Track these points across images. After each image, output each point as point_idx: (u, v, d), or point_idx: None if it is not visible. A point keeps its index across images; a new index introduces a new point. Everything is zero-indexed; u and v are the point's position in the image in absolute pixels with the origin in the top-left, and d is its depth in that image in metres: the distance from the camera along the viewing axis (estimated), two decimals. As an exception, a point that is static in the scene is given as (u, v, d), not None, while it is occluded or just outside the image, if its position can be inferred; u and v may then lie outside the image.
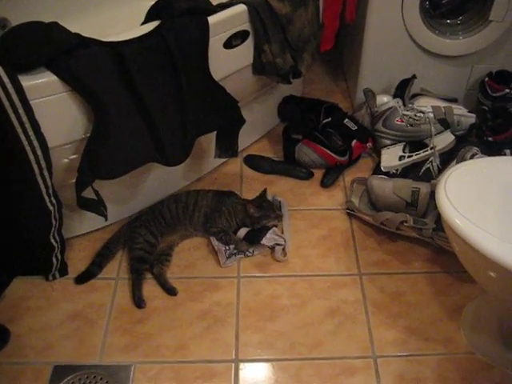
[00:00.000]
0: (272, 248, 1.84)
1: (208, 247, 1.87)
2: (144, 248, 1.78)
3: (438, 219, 1.78)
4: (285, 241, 1.83)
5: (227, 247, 1.82)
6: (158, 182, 1.94)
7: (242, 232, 1.85)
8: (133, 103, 1.49)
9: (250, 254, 1.83)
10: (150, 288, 1.74)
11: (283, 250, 1.83)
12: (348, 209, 1.97)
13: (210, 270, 1.79)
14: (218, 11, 1.61)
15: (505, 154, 2.03)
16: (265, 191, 1.90)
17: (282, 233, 1.88)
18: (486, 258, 1.23)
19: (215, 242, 1.83)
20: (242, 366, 1.56)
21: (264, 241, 1.80)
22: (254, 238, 1.82)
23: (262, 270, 1.80)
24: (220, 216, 1.86)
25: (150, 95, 1.51)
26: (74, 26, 1.46)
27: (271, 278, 1.78)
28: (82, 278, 1.75)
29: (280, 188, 2.08)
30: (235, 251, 1.82)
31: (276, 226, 1.88)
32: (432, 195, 1.83)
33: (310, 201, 2.04)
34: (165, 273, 1.77)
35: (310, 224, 1.95)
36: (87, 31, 1.48)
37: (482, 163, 1.50)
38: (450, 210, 1.32)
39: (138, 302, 1.69)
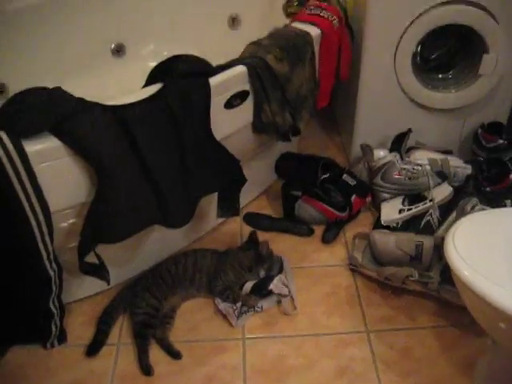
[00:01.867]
0: (279, 302, 1.85)
1: (211, 308, 1.86)
2: (148, 312, 1.76)
3: (443, 272, 1.80)
4: (289, 291, 1.84)
5: (235, 306, 1.80)
6: (158, 243, 1.94)
7: (248, 286, 1.85)
8: (136, 166, 1.50)
9: (259, 310, 1.83)
10: (152, 352, 1.71)
11: (292, 301, 1.85)
12: (351, 264, 1.97)
13: (214, 332, 1.78)
14: (219, 72, 1.64)
15: (505, 205, 2.05)
16: (255, 233, 1.94)
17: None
18: (497, 309, 1.24)
19: (221, 306, 1.82)
20: (252, 432, 1.53)
21: (272, 286, 1.81)
22: (261, 288, 1.83)
23: (267, 330, 1.79)
24: (226, 273, 1.85)
25: (154, 158, 1.52)
26: (71, 87, 1.49)
27: (277, 338, 1.76)
28: (94, 349, 1.71)
29: (281, 245, 2.08)
30: (244, 309, 1.81)
31: (281, 273, 1.91)
32: (436, 248, 1.84)
33: (311, 258, 2.04)
34: (168, 336, 1.75)
35: (313, 281, 1.95)
36: (85, 92, 1.50)
37: (486, 216, 1.53)
38: (460, 262, 1.34)
39: (146, 369, 1.66)
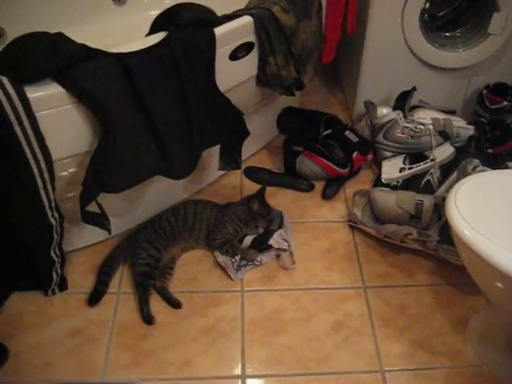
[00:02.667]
0: (278, 256, 1.86)
1: (211, 260, 1.87)
2: (149, 263, 1.77)
3: (442, 231, 1.81)
4: (289, 245, 1.85)
5: (234, 259, 1.82)
6: (159, 194, 1.93)
7: (248, 240, 1.86)
8: (139, 115, 1.49)
9: (258, 263, 1.84)
10: (152, 302, 1.73)
11: (291, 256, 1.87)
12: (350, 221, 1.98)
13: (213, 284, 1.80)
14: (224, 22, 1.61)
15: (506, 167, 2.05)
16: (263, 190, 1.92)
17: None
18: (495, 269, 1.26)
19: (220, 258, 1.84)
20: (248, 381, 1.56)
21: (272, 241, 1.83)
22: (261, 243, 1.84)
23: (266, 283, 1.81)
24: (224, 225, 1.86)
25: (157, 107, 1.51)
26: (71, 34, 1.45)
27: (275, 291, 1.78)
28: (95, 299, 1.72)
29: (281, 200, 2.09)
30: (243, 262, 1.83)
31: (281, 228, 1.91)
32: (435, 208, 1.86)
33: (311, 213, 2.06)
34: (167, 286, 1.77)
35: (312, 236, 1.96)
36: (86, 40, 1.47)
37: (489, 177, 1.53)
38: (461, 222, 1.35)
39: (148, 318, 1.67)
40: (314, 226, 2.01)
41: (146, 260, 1.77)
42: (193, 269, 1.85)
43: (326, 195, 2.11)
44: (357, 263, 1.88)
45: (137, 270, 1.78)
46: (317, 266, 1.86)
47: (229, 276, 1.81)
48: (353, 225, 1.98)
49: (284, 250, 1.85)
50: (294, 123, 2.30)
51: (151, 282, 1.75)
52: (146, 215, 1.94)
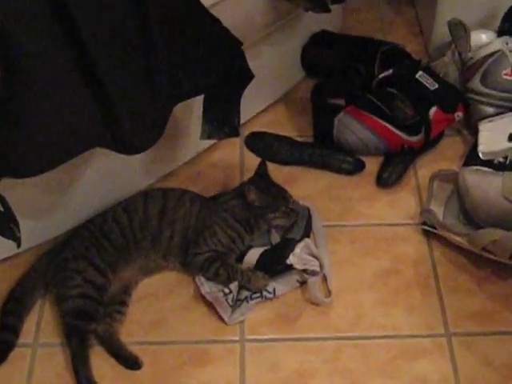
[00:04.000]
0: (302, 283, 1.86)
1: (189, 290, 1.88)
2: (87, 294, 1.75)
3: None
4: (321, 266, 1.84)
5: (227, 289, 1.78)
6: (101, 180, 1.93)
7: (253, 256, 1.86)
8: (66, 50, 1.47)
9: (269, 296, 1.83)
10: (93, 361, 1.72)
11: (324, 282, 1.87)
12: (425, 224, 1.95)
13: (194, 330, 1.80)
14: None
15: None
16: (264, 164, 1.93)
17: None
18: None
19: (206, 288, 1.83)
20: None
21: (292, 259, 1.81)
22: (274, 260, 1.85)
23: (282, 328, 1.80)
24: (213, 231, 1.87)
25: (97, 37, 1.48)
26: None
27: (297, 341, 1.78)
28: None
29: (308, 188, 2.08)
30: (245, 294, 1.82)
31: (308, 236, 1.92)
32: None
33: (359, 210, 2.04)
34: (118, 334, 1.77)
35: (360, 250, 1.95)
36: None
37: None
38: None
39: (88, 385, 1.65)
40: (365, 231, 2.00)
41: (81, 289, 1.76)
42: (160, 304, 1.84)
43: (385, 180, 2.09)
44: (435, 294, 1.86)
45: (66, 307, 1.76)
46: (367, 299, 1.86)
47: (220, 317, 1.79)
48: (429, 230, 1.95)
49: (313, 274, 1.83)
50: (331, 60, 2.29)
51: (91, 325, 1.73)
52: (80, 215, 1.94)
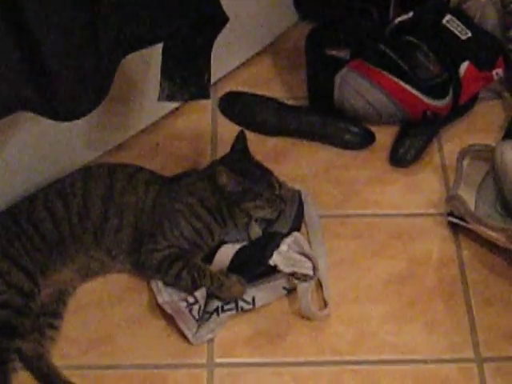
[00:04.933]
0: (290, 290, 1.85)
1: (143, 298, 1.88)
2: (8, 302, 1.75)
3: None
4: (314, 268, 1.83)
5: (192, 298, 1.78)
6: (30, 154, 1.93)
7: (226, 253, 1.86)
8: None
9: (248, 306, 1.84)
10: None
11: (319, 289, 1.87)
12: (452, 214, 1.95)
13: (147, 350, 1.80)
14: None
15: None
16: (243, 135, 1.95)
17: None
18: None
19: (165, 296, 1.83)
20: None
21: (277, 258, 1.81)
22: (254, 261, 1.85)
23: (263, 349, 1.80)
24: (174, 220, 1.88)
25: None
26: None
27: (283, 366, 1.79)
28: None
29: (300, 167, 2.09)
30: (217, 305, 1.82)
31: (298, 229, 1.92)
32: None
33: (366, 196, 2.05)
34: (49, 354, 1.77)
35: (367, 247, 1.95)
36: None
37: None
38: None
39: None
40: (373, 224, 2.00)
41: (1, 296, 1.75)
42: (104, 317, 1.84)
43: (400, 157, 2.09)
44: (463, 307, 1.86)
45: None
46: (375, 312, 1.87)
47: (182, 334, 1.79)
48: (457, 222, 1.95)
49: (304, 279, 1.82)
50: None
51: (14, 343, 1.74)
52: (1, 200, 1.94)
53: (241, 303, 1.82)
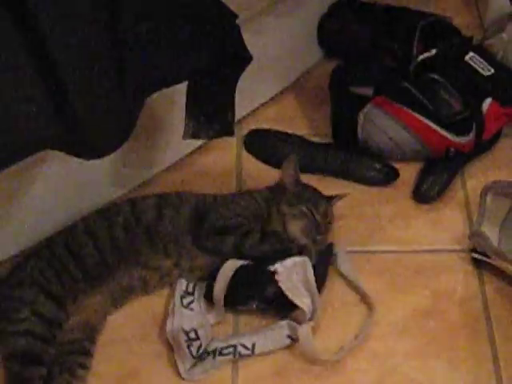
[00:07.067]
0: (294, 339, 1.84)
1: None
2: (30, 330, 1.75)
3: None
4: (313, 305, 1.85)
5: (192, 334, 1.81)
6: (56, 192, 1.94)
7: (229, 268, 1.84)
8: (12, 29, 1.46)
9: (246, 352, 1.82)
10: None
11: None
12: (475, 251, 1.95)
13: None
14: None
15: None
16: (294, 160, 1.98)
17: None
18: None
19: (174, 322, 1.82)
20: None
21: (278, 267, 1.84)
22: (244, 288, 1.84)
23: None
24: (232, 205, 1.97)
25: (51, 14, 1.46)
26: None
27: None
28: None
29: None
30: (217, 346, 1.81)
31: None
32: None
33: (390, 232, 2.06)
34: None
35: (390, 283, 1.96)
36: None
37: None
38: None
39: None
40: (396, 260, 2.01)
41: (27, 324, 1.76)
42: (131, 352, 1.84)
43: (424, 193, 2.10)
44: (487, 343, 1.86)
45: (9, 348, 1.77)
46: (399, 348, 1.87)
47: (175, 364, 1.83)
48: (480, 258, 1.95)
49: (299, 320, 1.84)
50: (356, 36, 2.30)
51: (40, 371, 1.73)
52: (31, 235, 1.96)
53: (239, 348, 1.80)
